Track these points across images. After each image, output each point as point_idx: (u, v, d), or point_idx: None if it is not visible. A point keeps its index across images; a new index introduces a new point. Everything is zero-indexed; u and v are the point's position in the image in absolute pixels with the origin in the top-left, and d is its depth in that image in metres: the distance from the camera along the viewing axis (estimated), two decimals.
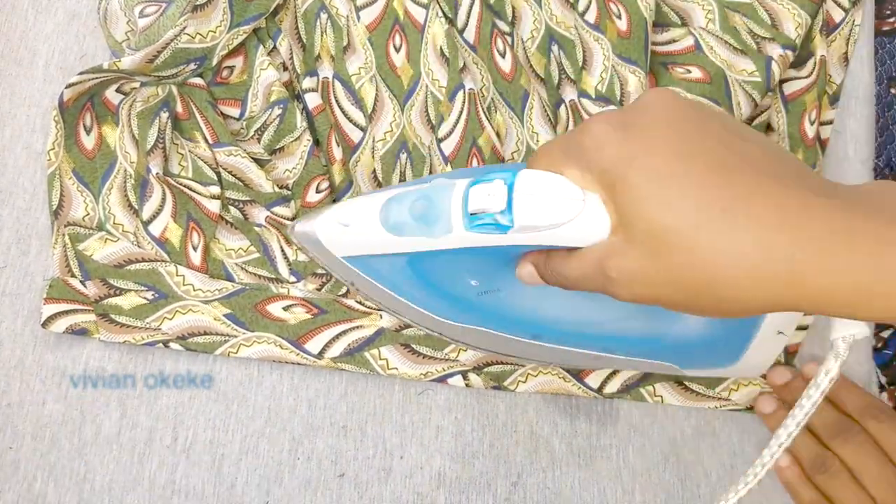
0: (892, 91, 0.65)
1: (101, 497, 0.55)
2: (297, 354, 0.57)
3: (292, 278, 0.58)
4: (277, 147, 0.59)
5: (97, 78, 0.57)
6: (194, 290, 0.57)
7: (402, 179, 0.60)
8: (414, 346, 0.57)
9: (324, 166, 0.60)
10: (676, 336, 0.51)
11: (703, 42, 0.62)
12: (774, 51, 0.61)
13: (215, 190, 0.58)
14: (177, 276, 0.57)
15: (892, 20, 0.67)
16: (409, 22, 0.63)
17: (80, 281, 0.57)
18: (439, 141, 0.60)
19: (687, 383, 0.58)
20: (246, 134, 0.60)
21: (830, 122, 0.64)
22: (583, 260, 0.38)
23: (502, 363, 0.57)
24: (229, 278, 0.58)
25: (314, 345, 0.57)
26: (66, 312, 0.56)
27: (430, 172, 0.60)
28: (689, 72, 0.61)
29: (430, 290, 0.49)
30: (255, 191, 0.59)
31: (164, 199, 0.58)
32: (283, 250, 0.58)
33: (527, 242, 0.40)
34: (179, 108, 0.59)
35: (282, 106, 0.59)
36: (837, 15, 0.66)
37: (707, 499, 0.57)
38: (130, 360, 0.57)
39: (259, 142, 0.60)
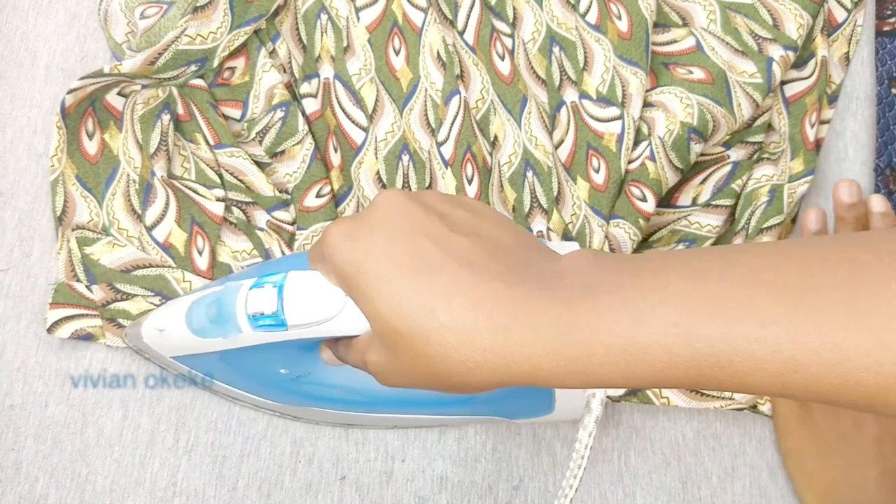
0: (893, 91, 0.65)
1: (103, 498, 0.55)
2: None
3: None
4: (279, 150, 0.59)
5: (98, 82, 0.57)
6: None
7: (406, 182, 0.60)
8: None
9: (326, 170, 0.60)
10: (487, 394, 0.52)
11: (704, 42, 0.61)
12: (776, 52, 0.61)
13: (219, 192, 0.58)
14: (184, 281, 0.57)
15: (892, 20, 0.66)
16: (408, 25, 0.62)
17: (86, 285, 0.57)
18: (439, 145, 0.60)
19: None
20: (247, 136, 0.60)
21: (828, 122, 0.64)
22: (355, 349, 0.41)
23: None
24: None
25: None
26: (72, 317, 0.56)
27: (431, 177, 0.60)
28: (691, 72, 0.61)
29: (250, 379, 0.53)
30: (256, 193, 0.59)
31: (167, 204, 0.58)
32: (283, 255, 0.58)
33: (306, 336, 0.43)
34: (180, 110, 0.59)
35: (284, 109, 0.59)
36: (840, 14, 0.66)
37: (708, 501, 0.57)
38: (133, 361, 0.57)
39: (260, 144, 0.60)
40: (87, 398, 0.56)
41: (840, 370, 0.30)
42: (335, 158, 0.60)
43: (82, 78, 0.56)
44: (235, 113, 0.61)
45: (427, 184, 0.59)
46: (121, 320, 0.56)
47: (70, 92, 0.56)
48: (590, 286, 0.35)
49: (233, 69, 0.61)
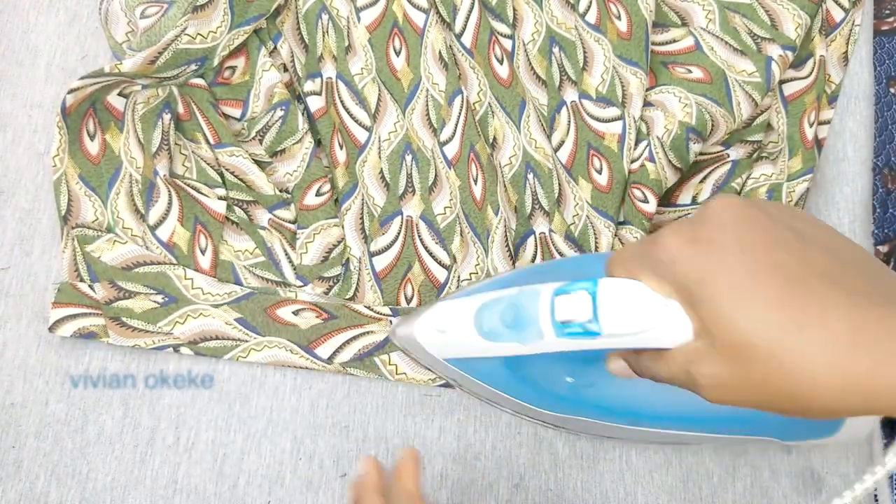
0: (891, 90, 0.65)
1: (103, 496, 0.55)
2: (307, 359, 0.57)
3: (298, 282, 0.58)
4: (279, 149, 0.59)
5: (99, 82, 0.57)
6: (203, 294, 0.57)
7: (409, 181, 0.60)
8: None
9: (325, 168, 0.60)
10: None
11: (703, 42, 0.62)
12: (774, 51, 0.61)
13: (220, 192, 0.58)
14: (185, 279, 0.57)
15: (890, 20, 0.67)
16: (409, 26, 0.63)
17: (89, 284, 0.57)
18: (442, 144, 0.60)
19: None
20: (247, 135, 0.60)
21: (828, 122, 0.64)
22: (671, 362, 0.39)
23: None
24: (238, 281, 0.58)
25: (325, 350, 0.57)
26: (74, 316, 0.56)
27: (436, 176, 0.60)
28: (690, 71, 0.61)
29: (529, 386, 0.51)
30: (257, 192, 0.59)
31: (170, 203, 0.58)
32: (286, 253, 0.59)
33: (615, 346, 0.41)
34: (181, 109, 0.59)
35: (284, 108, 0.59)
36: (837, 14, 0.66)
37: (709, 500, 0.57)
38: (132, 361, 0.57)
39: (261, 143, 0.60)
40: (87, 396, 0.57)
41: None
42: (341, 155, 0.60)
43: (83, 77, 0.56)
44: (235, 112, 0.61)
45: (431, 182, 0.59)
46: (124, 319, 0.56)
47: (71, 92, 0.56)
48: None
49: (233, 68, 0.61)
